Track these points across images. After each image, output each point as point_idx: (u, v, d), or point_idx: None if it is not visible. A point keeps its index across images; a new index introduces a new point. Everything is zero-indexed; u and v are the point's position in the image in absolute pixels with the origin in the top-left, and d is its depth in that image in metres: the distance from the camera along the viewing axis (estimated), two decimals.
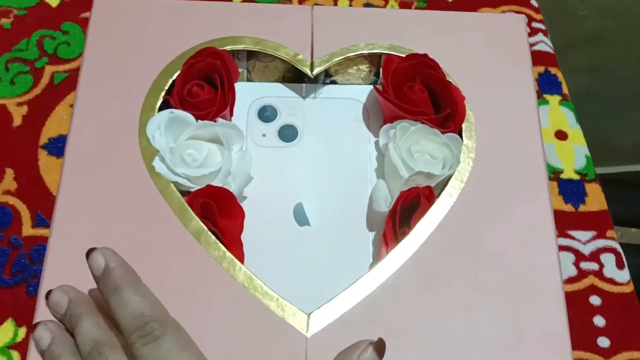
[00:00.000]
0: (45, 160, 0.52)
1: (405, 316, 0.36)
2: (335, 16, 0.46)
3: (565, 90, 0.59)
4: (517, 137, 0.42)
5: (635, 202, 1.03)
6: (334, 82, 0.46)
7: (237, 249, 0.38)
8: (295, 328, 0.35)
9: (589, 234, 0.53)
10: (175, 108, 0.40)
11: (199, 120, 0.40)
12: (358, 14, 0.47)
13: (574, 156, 0.56)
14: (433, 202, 0.39)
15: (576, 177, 0.55)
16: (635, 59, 0.99)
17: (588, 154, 0.56)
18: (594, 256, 0.52)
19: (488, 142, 0.42)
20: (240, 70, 0.45)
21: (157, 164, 0.39)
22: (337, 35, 0.44)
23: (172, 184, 0.38)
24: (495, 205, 0.39)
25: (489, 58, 0.45)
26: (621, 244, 0.93)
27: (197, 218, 0.37)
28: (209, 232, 0.37)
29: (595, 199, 0.54)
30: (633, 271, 0.57)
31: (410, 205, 0.39)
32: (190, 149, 0.40)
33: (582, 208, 0.54)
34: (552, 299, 0.37)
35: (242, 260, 0.38)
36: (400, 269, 0.37)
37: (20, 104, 0.54)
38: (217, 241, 0.37)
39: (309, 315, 0.35)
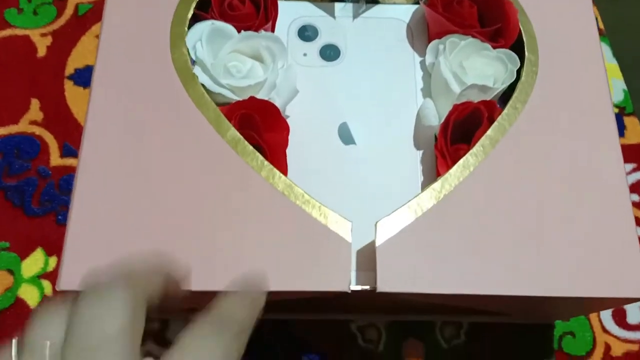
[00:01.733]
0: (71, 90, 0.50)
1: (466, 230, 0.34)
2: None
3: (600, 24, 0.58)
4: (579, 57, 0.41)
5: None
6: (376, 2, 0.45)
7: (281, 163, 0.37)
8: (339, 235, 0.34)
9: (630, 166, 0.52)
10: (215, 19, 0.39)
11: (242, 31, 0.38)
12: None
13: (612, 90, 0.55)
14: (496, 116, 0.37)
15: (615, 110, 0.54)
16: None
17: (625, 88, 0.55)
18: (635, 188, 0.51)
19: (551, 58, 0.40)
20: None
21: (199, 74, 0.37)
22: None
23: (206, 95, 0.37)
24: (562, 119, 0.38)
25: None
26: None
27: (233, 128, 0.36)
28: (246, 142, 0.35)
29: (635, 132, 0.53)
30: None
31: (464, 119, 0.37)
32: (234, 61, 0.38)
33: (621, 141, 0.53)
34: (624, 224, 0.36)
35: (285, 172, 0.37)
36: (463, 182, 0.35)
37: (44, 35, 0.52)
38: (255, 151, 0.35)
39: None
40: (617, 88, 0.55)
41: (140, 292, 0.22)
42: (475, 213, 0.35)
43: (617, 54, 0.57)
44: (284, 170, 0.36)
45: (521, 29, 0.41)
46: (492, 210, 0.35)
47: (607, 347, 0.45)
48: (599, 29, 0.57)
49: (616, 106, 0.54)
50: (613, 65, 0.56)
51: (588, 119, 0.39)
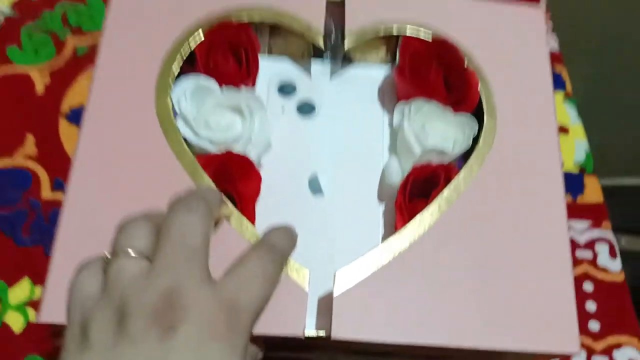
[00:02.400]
0: (66, 128, 0.54)
1: (419, 283, 0.37)
2: None
3: (568, 87, 0.61)
4: (534, 123, 0.44)
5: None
6: (351, 61, 0.48)
7: (250, 212, 0.40)
8: (296, 282, 0.36)
9: (585, 224, 0.55)
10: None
11: (224, 87, 0.42)
12: None
13: (574, 150, 0.58)
14: (451, 178, 0.40)
15: (576, 170, 0.57)
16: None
17: (588, 149, 0.59)
18: (589, 245, 0.54)
19: (508, 125, 0.43)
20: (262, 45, 0.47)
21: (181, 126, 0.40)
22: (366, 13, 0.46)
23: (184, 145, 0.40)
24: (514, 182, 0.41)
25: (510, 45, 0.46)
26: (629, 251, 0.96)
27: (207, 177, 0.39)
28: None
29: (593, 192, 0.56)
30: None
31: (423, 180, 0.41)
32: (214, 115, 0.41)
33: (580, 199, 0.56)
34: (563, 278, 0.39)
35: (253, 222, 0.40)
36: (419, 238, 0.38)
37: (42, 73, 0.56)
38: (227, 200, 0.38)
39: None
40: (580, 149, 0.58)
41: (211, 211, 0.28)
42: (427, 267, 0.38)
43: (582, 115, 0.60)
44: (252, 219, 0.39)
45: (481, 95, 0.44)
46: (443, 265, 0.38)
47: None
48: (566, 92, 0.61)
49: (578, 166, 0.57)
50: (578, 126, 0.60)
51: (537, 182, 0.42)
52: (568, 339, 0.37)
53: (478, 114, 0.44)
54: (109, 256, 0.26)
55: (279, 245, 0.30)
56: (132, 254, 0.25)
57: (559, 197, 0.41)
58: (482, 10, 0.48)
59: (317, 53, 0.47)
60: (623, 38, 0.95)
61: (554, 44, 0.64)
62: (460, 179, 0.41)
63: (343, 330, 0.36)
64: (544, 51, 0.47)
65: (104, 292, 0.24)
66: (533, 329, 0.37)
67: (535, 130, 0.44)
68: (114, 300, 0.24)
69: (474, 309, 0.37)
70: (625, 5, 0.87)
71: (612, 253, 0.54)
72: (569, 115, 0.60)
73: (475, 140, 0.43)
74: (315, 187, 0.43)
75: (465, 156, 0.43)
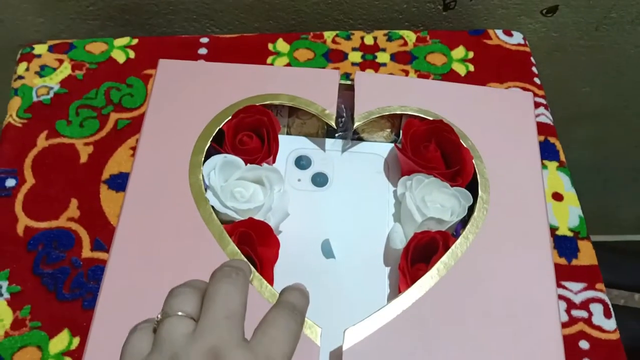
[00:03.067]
0: (105, 193, 0.60)
1: (421, 339, 0.42)
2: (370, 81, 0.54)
3: (562, 157, 0.66)
4: (524, 194, 0.49)
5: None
6: (360, 139, 0.54)
7: (268, 274, 0.45)
8: (310, 338, 0.41)
9: (580, 285, 0.59)
10: (227, 153, 0.48)
11: (248, 164, 0.48)
12: (392, 81, 0.55)
13: (568, 216, 0.63)
14: (449, 245, 0.45)
15: (570, 234, 0.62)
16: (634, 135, 1.07)
17: (581, 214, 0.63)
18: (584, 305, 0.58)
19: (500, 196, 0.49)
20: (281, 125, 0.53)
21: (210, 197, 0.46)
22: (374, 97, 0.52)
23: (213, 214, 0.46)
24: (505, 250, 0.46)
25: (503, 126, 0.52)
26: (623, 307, 0.98)
27: (233, 243, 0.44)
28: (242, 256, 0.44)
29: (587, 255, 0.60)
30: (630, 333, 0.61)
31: (423, 246, 0.46)
32: (239, 187, 0.47)
33: (574, 262, 0.60)
34: (552, 339, 0.43)
35: (271, 283, 0.45)
36: (420, 300, 0.43)
37: (87, 144, 0.63)
38: (248, 263, 0.43)
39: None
40: (574, 214, 0.63)
41: (247, 280, 0.32)
42: (428, 326, 0.42)
43: (575, 185, 0.65)
44: (270, 280, 0.45)
45: (477, 171, 0.50)
46: (443, 324, 0.43)
47: None
48: (560, 161, 0.66)
49: (572, 230, 0.62)
50: (571, 194, 0.64)
51: (528, 249, 0.47)
52: None
53: (473, 186, 0.49)
54: (158, 317, 0.31)
55: (299, 305, 0.34)
56: (181, 315, 0.30)
57: (547, 262, 0.46)
58: (476, 93, 0.54)
59: (330, 132, 0.54)
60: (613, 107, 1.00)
61: (547, 119, 0.70)
62: (457, 246, 0.46)
63: None
64: (532, 128, 0.52)
65: (155, 349, 0.29)
66: None
67: (525, 199, 0.49)
68: (164, 356, 0.28)
69: None
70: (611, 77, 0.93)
71: (607, 313, 0.58)
72: (563, 183, 0.64)
73: (471, 209, 0.48)
74: (327, 251, 0.49)
75: (463, 224, 0.48)
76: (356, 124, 0.51)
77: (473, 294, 0.44)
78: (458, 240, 0.46)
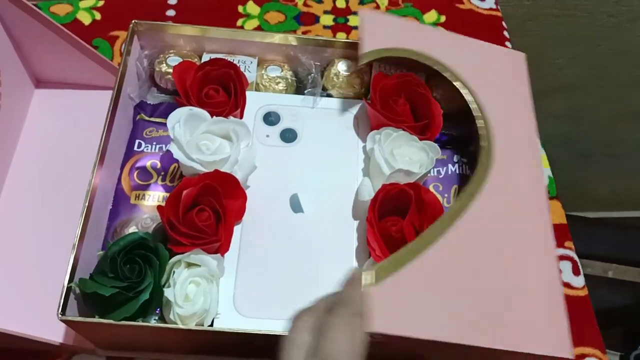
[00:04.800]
0: None
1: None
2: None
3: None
4: (522, 158, 0.48)
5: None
6: (329, 95, 0.53)
7: (230, 226, 0.45)
8: None
9: None
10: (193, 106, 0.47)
11: (214, 117, 0.47)
12: (397, 23, 0.54)
13: None
14: (422, 196, 0.44)
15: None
16: (608, 107, 1.08)
17: (551, 175, 0.64)
18: None
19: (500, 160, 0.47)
20: (249, 81, 0.52)
21: (174, 150, 0.45)
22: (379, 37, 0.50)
23: None
24: (504, 213, 0.45)
25: (499, 80, 0.52)
26: (614, 279, 1.00)
27: None
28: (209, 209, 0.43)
29: (556, 214, 0.61)
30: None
31: (392, 198, 0.45)
32: (204, 140, 0.46)
33: None
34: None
35: (231, 235, 0.44)
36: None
37: None
38: None
39: None
40: (544, 175, 0.63)
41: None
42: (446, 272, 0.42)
43: (544, 144, 0.65)
44: (230, 233, 0.44)
45: (476, 121, 0.48)
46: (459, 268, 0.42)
47: None
48: None
49: None
50: (542, 155, 0.65)
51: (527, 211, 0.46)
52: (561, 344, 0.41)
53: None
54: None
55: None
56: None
57: (545, 217, 0.46)
58: (478, 46, 0.53)
59: (299, 89, 0.53)
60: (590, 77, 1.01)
61: None
62: (456, 203, 0.44)
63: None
64: (526, 87, 0.52)
65: None
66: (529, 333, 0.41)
67: (523, 165, 0.48)
68: None
69: (481, 313, 0.41)
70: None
71: (575, 270, 0.58)
72: None
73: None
74: (296, 205, 0.48)
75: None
76: (364, 61, 0.49)
77: (482, 248, 0.43)
78: (456, 200, 0.44)
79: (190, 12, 0.67)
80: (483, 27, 0.70)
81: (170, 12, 0.67)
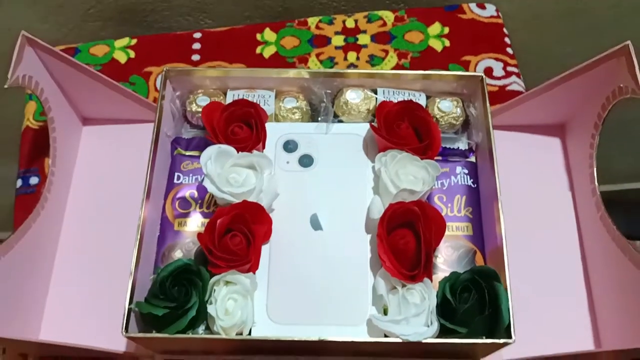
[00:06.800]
0: None
1: None
2: None
3: None
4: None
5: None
6: (340, 121, 0.60)
7: (256, 252, 0.52)
8: None
9: None
10: (221, 144, 0.54)
11: (239, 152, 0.54)
12: None
13: None
14: (427, 212, 0.51)
15: None
16: None
17: None
18: None
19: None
20: (268, 113, 0.59)
21: (208, 185, 0.52)
22: None
23: None
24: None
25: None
26: None
27: None
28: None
29: None
30: None
31: (400, 214, 0.51)
32: (233, 174, 0.53)
33: None
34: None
35: (259, 256, 0.52)
36: None
37: None
38: None
39: None
40: None
41: None
42: None
43: None
44: (258, 253, 0.51)
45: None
46: None
47: None
48: None
49: None
50: None
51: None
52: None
53: None
54: None
55: None
56: None
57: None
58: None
59: (313, 117, 0.60)
60: None
61: (519, 86, 0.74)
62: None
63: None
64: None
65: None
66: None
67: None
68: None
69: None
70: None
71: None
72: None
73: None
74: (315, 224, 0.55)
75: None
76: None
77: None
78: None
79: (214, 43, 0.74)
80: (485, 35, 0.75)
81: (196, 45, 0.74)
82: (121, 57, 0.73)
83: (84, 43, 0.74)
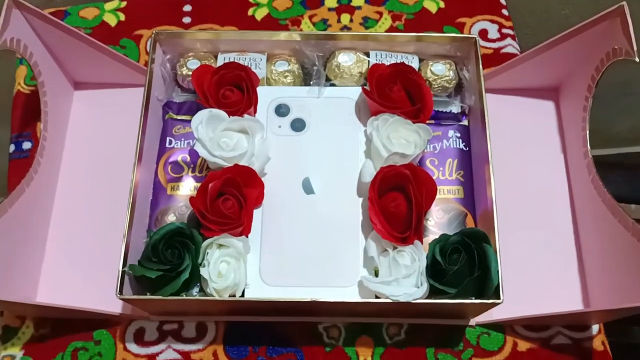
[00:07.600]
0: None
1: None
2: None
3: None
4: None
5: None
6: (333, 85, 0.59)
7: (249, 215, 0.52)
8: None
9: None
10: (212, 107, 0.54)
11: (231, 116, 0.54)
12: None
13: None
14: (417, 174, 0.51)
15: None
16: None
17: None
18: None
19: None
20: (259, 77, 0.58)
21: (199, 149, 0.52)
22: None
23: None
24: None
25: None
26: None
27: None
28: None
29: None
30: None
31: (391, 177, 0.51)
32: (224, 138, 0.53)
33: None
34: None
35: (250, 220, 0.52)
36: None
37: None
38: None
39: None
40: None
41: None
42: None
43: None
44: (250, 217, 0.51)
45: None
46: None
47: (515, 344, 0.58)
48: None
49: None
50: None
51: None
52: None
53: None
54: None
55: None
56: None
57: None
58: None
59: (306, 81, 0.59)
60: None
61: (514, 49, 0.73)
62: None
63: None
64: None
65: None
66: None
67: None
68: None
69: None
70: None
71: None
72: None
73: None
74: (308, 188, 0.55)
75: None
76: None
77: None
78: None
79: (205, 5, 0.73)
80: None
81: (187, 7, 0.73)
82: (111, 20, 0.72)
83: (73, 5, 0.73)
